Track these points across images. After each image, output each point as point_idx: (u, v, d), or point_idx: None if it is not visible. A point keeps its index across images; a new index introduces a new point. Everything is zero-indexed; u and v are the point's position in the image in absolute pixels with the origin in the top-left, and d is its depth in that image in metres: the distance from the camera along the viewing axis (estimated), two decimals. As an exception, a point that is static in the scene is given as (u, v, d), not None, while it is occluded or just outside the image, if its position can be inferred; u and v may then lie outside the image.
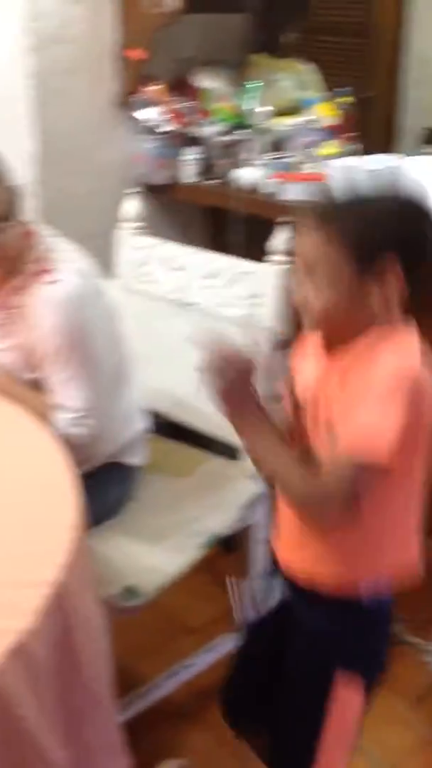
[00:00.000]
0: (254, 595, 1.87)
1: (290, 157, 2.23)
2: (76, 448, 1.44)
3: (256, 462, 1.31)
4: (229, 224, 2.24)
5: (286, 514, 1.27)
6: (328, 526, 1.18)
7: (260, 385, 1.18)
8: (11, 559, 1.11)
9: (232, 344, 1.17)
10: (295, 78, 2.52)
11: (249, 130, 2.31)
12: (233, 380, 1.16)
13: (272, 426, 1.20)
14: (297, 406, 1.25)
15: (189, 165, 2.36)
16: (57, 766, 1.03)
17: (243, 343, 1.18)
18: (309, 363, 1.25)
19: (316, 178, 1.98)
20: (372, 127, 2.74)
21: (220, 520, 1.77)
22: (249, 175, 2.24)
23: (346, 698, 1.25)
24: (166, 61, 2.43)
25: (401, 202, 1.14)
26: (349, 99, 2.31)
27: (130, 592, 1.55)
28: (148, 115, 2.34)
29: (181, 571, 1.64)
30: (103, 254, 1.91)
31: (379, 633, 1.30)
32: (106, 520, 1.70)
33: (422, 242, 1.14)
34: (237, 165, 2.28)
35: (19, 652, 0.94)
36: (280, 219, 1.73)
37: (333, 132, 2.25)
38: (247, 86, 2.42)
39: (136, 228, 2.05)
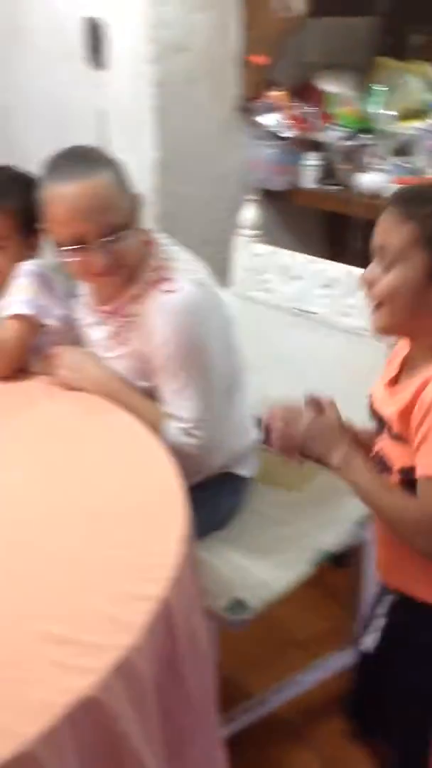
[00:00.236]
0: (366, 612, 1.82)
1: (415, 161, 2.16)
2: (186, 458, 1.43)
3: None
4: (349, 231, 2.19)
5: (381, 530, 1.28)
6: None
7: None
8: (118, 572, 1.10)
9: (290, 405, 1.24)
10: (422, 80, 2.45)
11: (373, 135, 2.26)
12: (283, 431, 1.23)
13: (358, 459, 1.21)
14: (380, 428, 1.24)
15: (309, 170, 2.33)
16: (158, 784, 1.01)
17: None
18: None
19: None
20: None
21: (332, 537, 1.73)
22: (372, 180, 2.19)
23: None
24: (289, 66, 2.41)
25: None
26: None
27: (238, 605, 1.53)
28: (270, 120, 2.33)
29: (290, 587, 1.61)
30: (219, 261, 1.90)
31: None
32: (216, 532, 1.68)
33: None
34: (359, 170, 2.23)
35: (124, 668, 0.93)
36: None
37: (461, 136, 2.18)
38: (372, 90, 2.36)
39: (253, 235, 2.03)
